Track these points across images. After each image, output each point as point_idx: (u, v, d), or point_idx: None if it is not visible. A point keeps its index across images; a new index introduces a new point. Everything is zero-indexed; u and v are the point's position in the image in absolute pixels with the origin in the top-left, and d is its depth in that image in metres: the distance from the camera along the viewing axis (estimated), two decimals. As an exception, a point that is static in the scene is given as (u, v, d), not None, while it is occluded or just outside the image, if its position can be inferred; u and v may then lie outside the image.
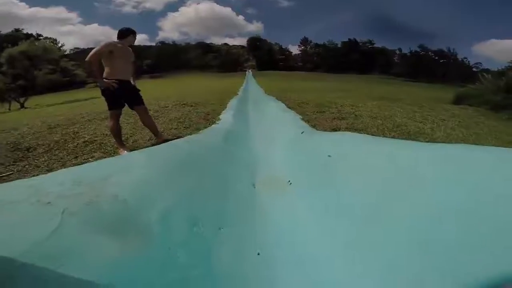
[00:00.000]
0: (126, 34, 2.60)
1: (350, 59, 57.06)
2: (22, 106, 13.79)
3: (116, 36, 2.61)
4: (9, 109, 13.07)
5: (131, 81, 2.65)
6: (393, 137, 3.01)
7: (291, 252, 0.80)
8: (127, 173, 0.70)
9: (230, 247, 0.73)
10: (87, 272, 0.41)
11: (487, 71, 8.05)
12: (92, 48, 2.44)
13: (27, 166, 2.52)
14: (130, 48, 2.67)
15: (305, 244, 0.85)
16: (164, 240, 0.57)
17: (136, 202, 0.59)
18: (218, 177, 1.19)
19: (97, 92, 2.81)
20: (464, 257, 0.50)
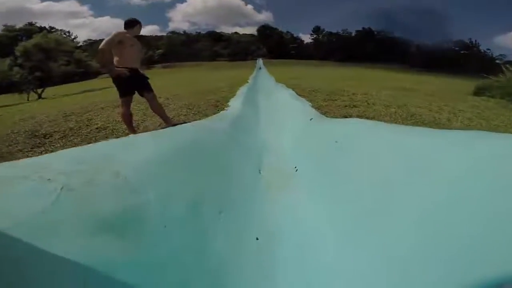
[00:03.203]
0: (132, 24, 2.66)
1: (364, 49, 55.02)
2: (40, 96, 14.27)
3: (123, 26, 2.67)
4: (28, 100, 13.56)
5: (139, 70, 2.72)
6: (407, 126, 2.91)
7: (291, 238, 0.80)
8: (129, 153, 0.71)
9: (228, 231, 0.74)
10: (78, 246, 0.42)
11: (511, 63, 7.51)
12: (103, 39, 2.50)
13: (44, 152, 2.63)
14: (136, 39, 2.72)
15: (306, 231, 0.84)
16: (161, 219, 0.57)
17: (136, 181, 0.59)
18: (223, 161, 1.19)
19: (110, 82, 2.88)
20: (466, 255, 0.48)
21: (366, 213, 0.83)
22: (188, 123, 1.71)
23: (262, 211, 0.96)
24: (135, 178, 0.60)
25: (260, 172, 1.42)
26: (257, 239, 0.77)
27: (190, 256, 0.60)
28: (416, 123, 3.11)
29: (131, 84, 2.61)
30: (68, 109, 4.80)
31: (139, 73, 2.69)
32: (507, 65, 6.88)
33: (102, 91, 10.76)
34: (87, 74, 31.51)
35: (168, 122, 2.88)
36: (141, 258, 0.49)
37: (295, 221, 0.92)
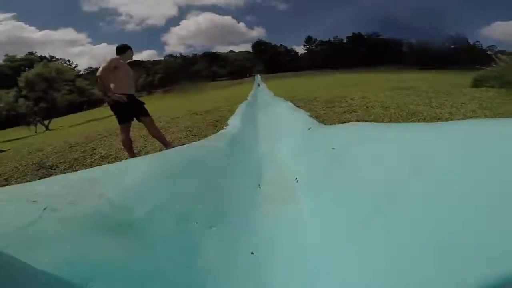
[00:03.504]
0: (124, 49, 2.69)
1: (357, 53, 55.84)
2: (47, 128, 14.62)
3: (115, 52, 2.69)
4: (36, 132, 13.90)
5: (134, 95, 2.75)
6: (407, 125, 2.87)
7: (288, 252, 0.77)
8: (118, 176, 0.72)
9: (223, 246, 0.72)
10: (58, 264, 0.42)
11: (502, 52, 7.50)
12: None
13: (49, 184, 2.66)
14: (128, 65, 2.74)
15: (304, 244, 0.81)
16: (150, 237, 0.57)
17: (122, 202, 0.59)
18: (220, 178, 1.18)
19: (111, 110, 2.93)
20: (467, 255, 0.46)
21: (365, 221, 0.80)
22: (186, 145, 1.73)
23: (259, 225, 0.94)
24: (120, 199, 0.60)
25: (259, 187, 1.41)
26: (252, 253, 0.75)
27: (183, 271, 0.59)
28: (417, 121, 3.08)
29: (129, 110, 2.63)
30: (74, 140, 4.92)
31: (135, 98, 2.72)
32: (499, 55, 6.87)
33: (106, 120, 11.01)
34: (91, 102, 32.20)
35: (168, 145, 2.87)
36: (126, 275, 0.48)
37: (293, 234, 0.89)
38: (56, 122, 16.55)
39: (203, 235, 0.70)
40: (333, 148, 1.32)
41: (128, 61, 2.76)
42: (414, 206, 0.68)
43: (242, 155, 1.81)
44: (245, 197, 1.17)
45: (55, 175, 2.95)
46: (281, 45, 71.27)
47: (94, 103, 31.65)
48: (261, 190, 1.37)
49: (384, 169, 0.91)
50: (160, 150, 3.11)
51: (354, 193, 0.97)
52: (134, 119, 2.75)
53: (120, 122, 2.65)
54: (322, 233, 0.88)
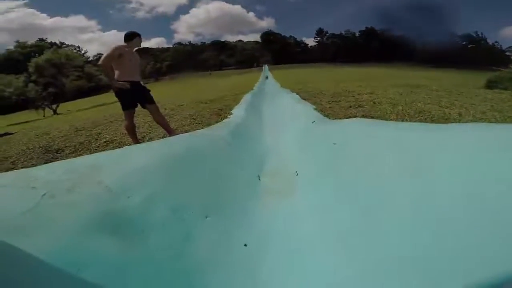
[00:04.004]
0: (131, 37, 2.69)
1: (369, 48, 54.47)
2: (55, 112, 14.86)
3: (123, 39, 2.70)
4: (44, 116, 14.14)
5: (141, 82, 2.76)
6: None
7: (282, 245, 0.78)
8: (117, 163, 0.72)
9: (217, 237, 0.72)
10: (53, 248, 0.43)
11: None
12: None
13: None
14: (135, 52, 2.76)
15: (299, 237, 0.81)
16: (141, 224, 0.57)
17: (120, 189, 0.60)
18: (220, 168, 1.18)
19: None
20: (467, 255, 0.45)
21: (362, 217, 0.80)
22: (188, 133, 1.73)
23: (255, 217, 0.94)
24: (118, 186, 0.61)
25: (259, 178, 1.41)
26: (245, 245, 0.76)
27: (174, 259, 0.60)
28: (424, 120, 3.02)
29: (133, 97, 2.65)
30: (80, 124, 4.98)
31: (140, 85, 2.73)
32: (517, 56, 6.62)
33: (113, 105, 11.11)
34: (99, 88, 32.44)
35: (172, 133, 2.91)
36: (119, 262, 0.49)
37: (288, 228, 0.89)
38: (64, 107, 16.76)
39: (197, 225, 0.71)
40: (334, 144, 1.30)
41: (136, 48, 2.76)
42: (412, 205, 0.68)
43: (244, 145, 1.81)
44: (244, 188, 1.17)
45: (61, 159, 3.01)
46: (290, 36, 69.95)
47: (99, 89, 31.86)
48: (260, 182, 1.37)
49: (384, 167, 0.90)
50: (163, 137, 3.13)
51: (353, 190, 0.96)
52: (139, 105, 2.77)
53: (123, 109, 2.68)
54: (318, 228, 0.88)
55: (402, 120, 3.00)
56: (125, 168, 0.73)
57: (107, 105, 12.86)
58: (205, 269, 0.60)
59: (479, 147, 0.67)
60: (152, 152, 0.96)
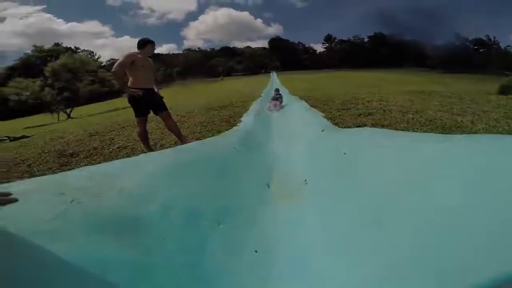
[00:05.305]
0: (144, 44, 2.70)
1: (379, 54, 54.04)
2: (69, 116, 15.31)
3: (136, 46, 2.73)
4: (58, 120, 14.59)
5: (155, 89, 2.80)
6: (425, 132, 2.79)
7: (292, 251, 0.79)
8: (136, 171, 0.76)
9: (227, 244, 0.75)
10: (79, 252, 0.47)
11: None
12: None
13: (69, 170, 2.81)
14: (149, 58, 2.78)
15: (308, 244, 0.83)
16: (160, 231, 0.61)
17: (139, 196, 0.64)
18: (229, 176, 1.22)
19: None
20: (467, 256, 0.46)
21: (369, 226, 0.81)
22: (199, 141, 1.77)
23: (264, 224, 0.96)
24: (138, 193, 0.65)
25: (268, 186, 1.43)
26: (256, 251, 0.78)
27: (188, 265, 0.63)
28: (435, 129, 2.97)
29: (146, 104, 2.69)
30: (93, 128, 5.13)
31: (153, 92, 2.76)
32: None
33: (126, 110, 11.38)
34: (112, 92, 33.23)
35: (183, 140, 2.92)
36: (139, 267, 0.53)
37: (297, 235, 0.91)
38: (77, 111, 17.28)
39: (210, 232, 0.74)
40: (344, 153, 1.31)
41: (149, 55, 2.80)
42: (420, 215, 0.68)
43: (253, 153, 1.84)
44: (254, 196, 1.20)
45: (75, 163, 3.10)
46: (299, 42, 70.27)
47: (112, 94, 32.64)
48: (270, 190, 1.39)
49: (392, 177, 0.91)
50: (175, 144, 3.20)
51: (361, 199, 0.97)
52: (151, 112, 2.81)
53: (136, 115, 2.73)
54: (326, 236, 0.90)
55: (413, 129, 2.97)
56: (143, 176, 0.77)
57: (119, 110, 13.19)
58: (218, 274, 0.63)
59: (488, 159, 0.68)
60: (166, 160, 1.00)
